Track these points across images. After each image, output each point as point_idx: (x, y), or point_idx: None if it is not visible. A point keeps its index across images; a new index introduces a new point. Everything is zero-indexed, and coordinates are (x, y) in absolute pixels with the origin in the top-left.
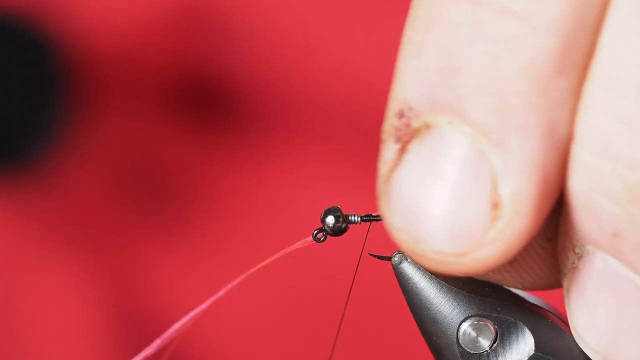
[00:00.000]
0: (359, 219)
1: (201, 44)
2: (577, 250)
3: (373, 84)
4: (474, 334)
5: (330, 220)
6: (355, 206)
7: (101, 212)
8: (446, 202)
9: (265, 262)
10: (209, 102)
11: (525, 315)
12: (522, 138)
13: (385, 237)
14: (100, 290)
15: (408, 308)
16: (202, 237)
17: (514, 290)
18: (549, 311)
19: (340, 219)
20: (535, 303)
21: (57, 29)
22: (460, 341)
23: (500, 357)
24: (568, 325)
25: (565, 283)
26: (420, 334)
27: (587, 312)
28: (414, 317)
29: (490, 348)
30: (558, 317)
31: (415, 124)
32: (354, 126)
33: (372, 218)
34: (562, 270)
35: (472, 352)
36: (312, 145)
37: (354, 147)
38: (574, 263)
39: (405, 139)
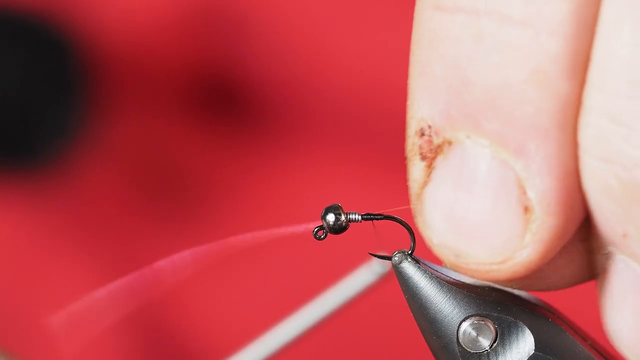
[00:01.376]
0: (360, 217)
1: (217, 45)
2: (604, 251)
3: (388, 85)
4: (474, 333)
5: (330, 218)
6: (369, 207)
7: (117, 211)
8: (479, 214)
9: (267, 235)
10: (224, 103)
11: (526, 314)
12: (539, 142)
13: (386, 236)
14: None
15: (408, 307)
16: (216, 236)
17: (514, 290)
18: (549, 311)
19: (341, 217)
20: (536, 303)
21: (75, 30)
22: (460, 341)
23: (500, 356)
24: (568, 325)
25: (598, 284)
26: (420, 333)
27: (616, 313)
28: (414, 316)
29: (490, 347)
30: (558, 317)
31: (436, 141)
32: (370, 128)
33: (372, 217)
34: (595, 271)
35: (472, 351)
36: (326, 146)
37: (368, 148)
38: (603, 264)
39: (431, 156)
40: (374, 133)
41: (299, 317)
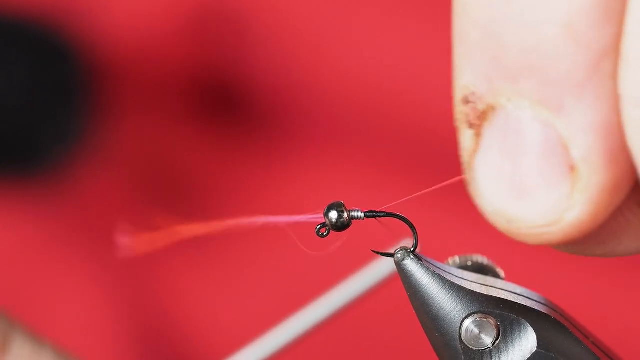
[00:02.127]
0: (362, 214)
1: (220, 49)
2: None
3: (390, 88)
4: (476, 330)
5: (333, 215)
6: (372, 207)
7: (119, 216)
8: (527, 177)
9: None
10: (227, 107)
11: (528, 312)
12: (577, 98)
13: (388, 234)
14: (118, 292)
15: (410, 304)
16: (220, 241)
17: (517, 287)
18: (551, 308)
19: (344, 214)
20: (538, 300)
21: (77, 36)
22: (462, 338)
23: (502, 354)
24: (571, 323)
25: None
26: (422, 330)
27: None
28: (417, 313)
29: (492, 345)
30: (560, 314)
31: (480, 107)
32: (373, 131)
33: (375, 214)
34: None
35: (474, 349)
36: (329, 148)
37: (371, 150)
38: None
39: (477, 123)
40: (377, 135)
41: (313, 309)
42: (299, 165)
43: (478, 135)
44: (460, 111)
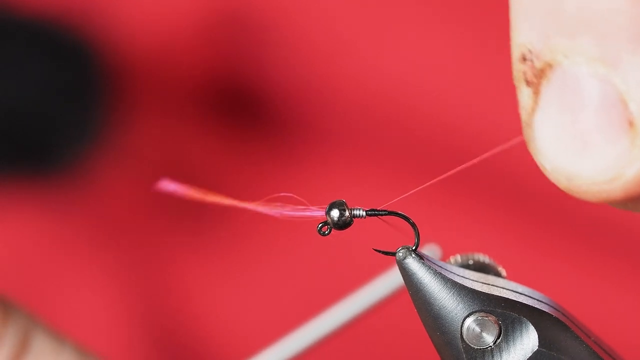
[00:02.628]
0: (364, 213)
1: (236, 52)
2: None
3: (406, 93)
4: (478, 329)
5: (335, 213)
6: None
7: (135, 216)
8: (586, 133)
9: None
10: (240, 109)
11: (529, 311)
12: (634, 53)
13: (389, 233)
14: (133, 292)
15: (412, 303)
16: (234, 241)
17: (518, 286)
18: (553, 307)
19: (345, 212)
20: (540, 299)
21: (93, 37)
22: (464, 336)
23: (504, 352)
24: (572, 322)
25: None
26: (424, 329)
27: None
28: (418, 312)
29: (494, 344)
30: (562, 313)
31: (538, 65)
32: (387, 136)
33: (377, 212)
34: None
35: (476, 347)
36: (340, 150)
37: (382, 153)
38: None
39: (535, 81)
40: (387, 138)
41: (336, 310)
42: (311, 165)
43: (536, 93)
44: (518, 69)
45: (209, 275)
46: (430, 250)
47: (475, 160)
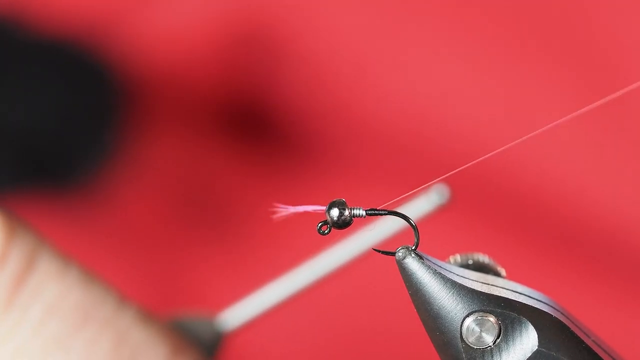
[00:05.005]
0: (364, 212)
1: (253, 71)
2: None
3: (425, 115)
4: (477, 329)
5: (334, 213)
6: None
7: (152, 232)
8: None
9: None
10: (257, 126)
11: (529, 310)
12: None
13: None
14: (151, 304)
15: (412, 303)
16: (249, 253)
17: (518, 286)
18: (552, 307)
19: (345, 211)
20: (539, 299)
21: (112, 54)
22: (463, 336)
23: (503, 352)
24: (571, 321)
25: None
26: (423, 329)
27: None
28: (418, 312)
29: (493, 343)
30: (562, 313)
31: None
32: (388, 136)
33: (376, 212)
34: None
35: (475, 347)
36: (357, 170)
37: (386, 154)
38: None
39: None
40: (388, 138)
41: (350, 242)
42: (330, 187)
43: None
44: None
45: (227, 287)
46: (438, 190)
47: (475, 161)
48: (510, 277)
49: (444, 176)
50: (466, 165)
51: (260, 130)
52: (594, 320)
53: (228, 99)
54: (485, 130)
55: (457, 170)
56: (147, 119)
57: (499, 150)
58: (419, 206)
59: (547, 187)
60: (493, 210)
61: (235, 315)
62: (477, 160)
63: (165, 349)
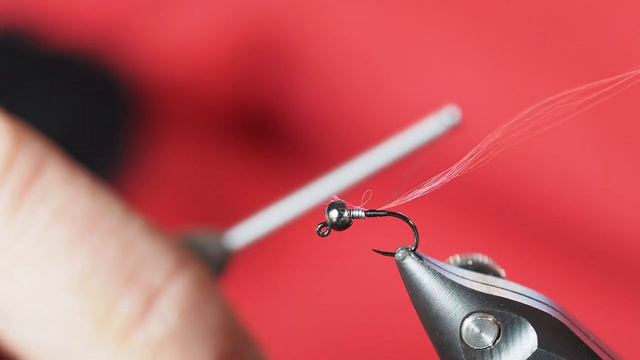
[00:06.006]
0: (363, 213)
1: (267, 78)
2: None
3: (410, 99)
4: (477, 329)
5: (333, 214)
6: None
7: None
8: None
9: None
10: (270, 135)
11: (529, 311)
12: None
13: (389, 233)
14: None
15: (411, 304)
16: (260, 261)
17: (517, 286)
18: (552, 307)
19: (344, 213)
20: (539, 299)
21: (124, 68)
22: (463, 337)
23: (503, 353)
24: (571, 322)
25: None
26: (423, 329)
27: None
28: (417, 312)
29: (493, 344)
30: (561, 313)
31: None
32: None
33: (375, 213)
34: None
35: (475, 347)
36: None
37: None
38: None
39: None
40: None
41: (363, 160)
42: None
43: None
44: None
45: (243, 294)
46: (449, 111)
47: (475, 159)
48: (510, 277)
49: (444, 173)
50: (465, 164)
51: (271, 135)
52: (593, 321)
53: (239, 104)
54: (487, 130)
55: (458, 169)
56: (159, 126)
57: (499, 150)
58: (429, 127)
59: (547, 188)
60: (493, 211)
61: (244, 233)
62: (476, 158)
63: (170, 261)
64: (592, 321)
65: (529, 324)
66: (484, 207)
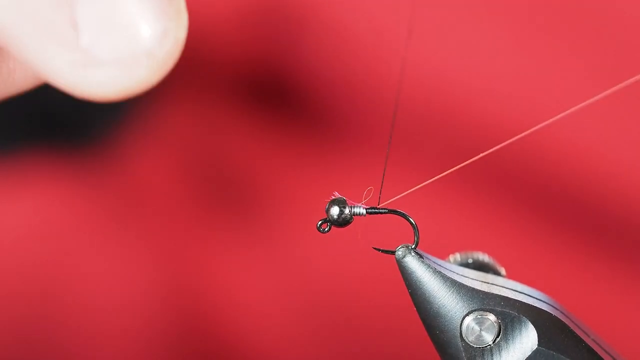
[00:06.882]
0: (364, 210)
1: (276, 40)
2: None
3: (451, 91)
4: (477, 328)
5: (334, 211)
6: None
7: (165, 195)
8: None
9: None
10: (277, 97)
11: (529, 309)
12: None
13: (389, 231)
14: (159, 274)
15: (412, 302)
16: (263, 229)
17: (518, 285)
18: (552, 306)
19: (345, 210)
20: (539, 298)
21: None
22: (463, 335)
23: (503, 351)
24: (571, 320)
25: None
26: (423, 328)
27: None
28: (418, 311)
29: (493, 342)
30: (561, 312)
31: None
32: (428, 132)
33: (377, 210)
34: None
35: (475, 346)
36: (379, 147)
37: (427, 152)
38: None
39: None
40: (428, 137)
41: None
42: (348, 163)
43: None
44: None
45: (238, 258)
46: None
47: (474, 158)
48: (510, 276)
49: (445, 173)
50: (465, 163)
51: (281, 101)
52: (594, 319)
53: (247, 66)
54: (487, 125)
55: (454, 168)
56: (164, 83)
57: (498, 146)
58: None
59: (548, 185)
60: (493, 209)
61: None
62: (476, 157)
63: None
64: (592, 320)
65: (529, 323)
66: (485, 206)
